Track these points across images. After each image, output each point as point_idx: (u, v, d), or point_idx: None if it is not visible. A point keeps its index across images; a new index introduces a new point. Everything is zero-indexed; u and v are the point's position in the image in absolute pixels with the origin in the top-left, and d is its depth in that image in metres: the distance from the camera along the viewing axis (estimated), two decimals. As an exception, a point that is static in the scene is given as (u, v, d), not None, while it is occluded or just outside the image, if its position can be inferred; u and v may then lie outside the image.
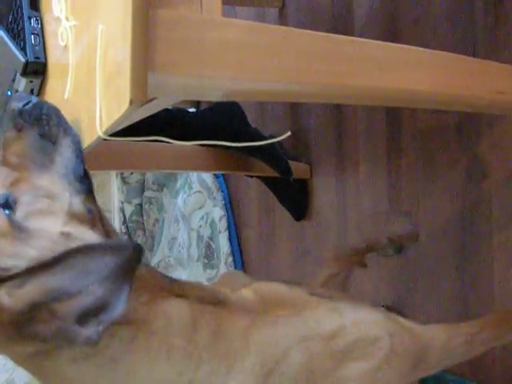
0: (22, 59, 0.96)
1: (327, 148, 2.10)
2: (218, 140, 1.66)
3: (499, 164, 1.47)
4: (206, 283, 1.04)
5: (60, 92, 0.89)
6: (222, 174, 2.84)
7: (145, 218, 3.40)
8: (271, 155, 2.00)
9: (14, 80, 1.00)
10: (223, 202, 2.79)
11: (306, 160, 2.20)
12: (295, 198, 2.22)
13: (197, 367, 0.88)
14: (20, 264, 0.77)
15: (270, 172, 2.05)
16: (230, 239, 2.74)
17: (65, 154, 0.85)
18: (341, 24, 2.00)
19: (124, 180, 3.22)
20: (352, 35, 1.74)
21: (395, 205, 1.79)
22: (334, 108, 2.05)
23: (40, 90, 1.00)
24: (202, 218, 2.92)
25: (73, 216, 0.82)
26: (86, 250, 0.76)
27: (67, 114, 0.88)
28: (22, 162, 0.84)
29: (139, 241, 3.34)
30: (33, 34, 0.99)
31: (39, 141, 0.84)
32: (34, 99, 0.83)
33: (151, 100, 0.82)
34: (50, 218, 0.81)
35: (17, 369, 2.96)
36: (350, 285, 1.38)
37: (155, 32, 0.69)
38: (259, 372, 0.91)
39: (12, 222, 0.79)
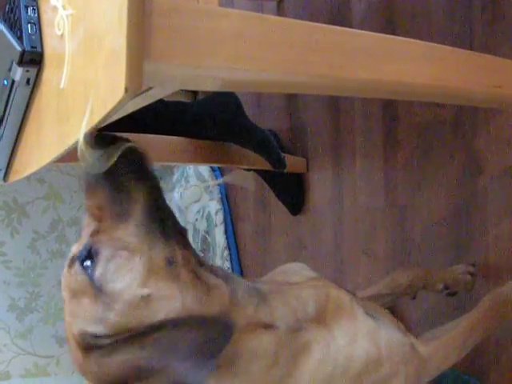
0: (19, 48, 0.96)
1: (324, 142, 2.10)
2: (212, 130, 1.65)
3: (495, 159, 1.47)
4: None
5: (56, 81, 0.89)
6: (219, 168, 2.84)
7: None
8: (264, 147, 2.00)
9: (10, 69, 1.00)
10: (219, 196, 2.80)
11: (303, 154, 2.20)
12: (291, 192, 2.22)
13: None
14: (102, 330, 0.80)
15: (267, 166, 2.05)
16: (226, 233, 2.75)
17: (140, 202, 0.85)
18: (339, 18, 2.00)
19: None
20: (350, 28, 1.75)
21: (391, 199, 1.79)
22: (331, 102, 2.05)
23: (36, 80, 1.00)
24: (199, 211, 2.92)
25: (152, 272, 0.82)
26: (172, 326, 0.78)
27: (63, 103, 0.88)
28: (102, 213, 0.85)
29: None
30: (29, 23, 0.99)
31: (114, 192, 0.84)
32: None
33: (147, 90, 0.82)
34: (129, 277, 0.81)
35: (12, 361, 2.97)
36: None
37: (151, 20, 0.69)
38: None
39: (93, 282, 0.81)
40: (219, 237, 2.75)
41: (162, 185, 0.94)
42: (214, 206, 2.80)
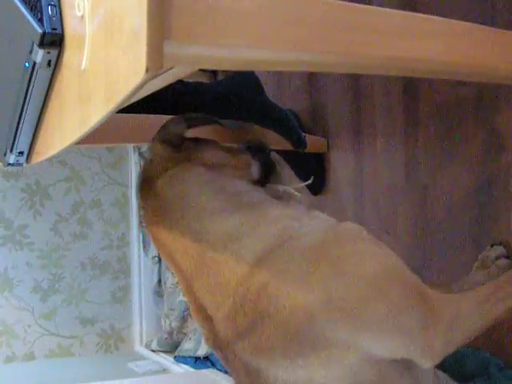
0: (40, 30, 0.96)
1: (344, 122, 2.09)
2: (232, 110, 1.66)
3: (518, 136, 1.46)
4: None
5: (77, 62, 0.89)
6: (239, 149, 2.83)
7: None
8: (284, 126, 1.99)
9: (31, 52, 1.00)
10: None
11: (323, 134, 2.20)
12: (312, 171, 2.22)
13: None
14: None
15: (287, 145, 2.05)
16: (246, 213, 2.74)
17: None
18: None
19: (141, 154, 3.23)
20: (370, 5, 1.73)
21: (412, 178, 1.78)
22: (352, 81, 2.04)
23: (57, 61, 1.00)
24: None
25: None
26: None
27: (85, 84, 0.89)
28: None
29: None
30: (49, 4, 0.99)
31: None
32: None
33: (168, 70, 0.82)
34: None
35: (36, 342, 3.01)
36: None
37: (171, 0, 0.69)
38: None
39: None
40: (240, 217, 2.75)
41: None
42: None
